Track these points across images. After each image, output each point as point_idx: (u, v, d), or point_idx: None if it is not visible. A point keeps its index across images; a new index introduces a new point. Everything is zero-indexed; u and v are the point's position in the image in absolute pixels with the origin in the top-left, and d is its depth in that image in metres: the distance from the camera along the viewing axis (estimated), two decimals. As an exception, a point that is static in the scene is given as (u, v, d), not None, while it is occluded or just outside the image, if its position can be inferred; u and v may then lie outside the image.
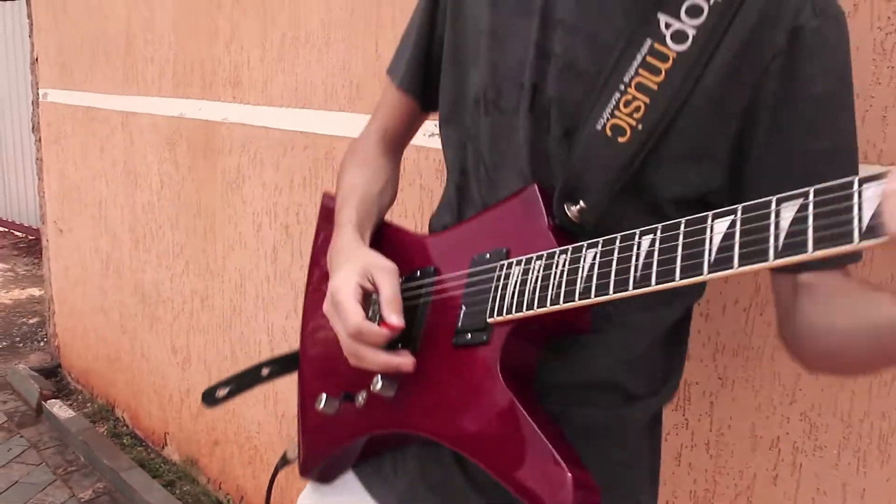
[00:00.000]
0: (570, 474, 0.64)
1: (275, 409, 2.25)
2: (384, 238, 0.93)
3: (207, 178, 2.40)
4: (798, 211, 0.53)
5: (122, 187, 2.91)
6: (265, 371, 1.06)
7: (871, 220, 0.48)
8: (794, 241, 0.53)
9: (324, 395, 0.86)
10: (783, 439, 1.13)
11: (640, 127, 0.75)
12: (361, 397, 0.83)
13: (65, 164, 3.35)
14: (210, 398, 1.04)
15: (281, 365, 1.07)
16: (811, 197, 0.53)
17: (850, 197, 0.50)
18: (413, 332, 0.81)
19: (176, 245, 2.64)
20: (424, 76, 0.99)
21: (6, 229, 7.15)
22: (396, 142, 1.06)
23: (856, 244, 0.49)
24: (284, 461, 1.06)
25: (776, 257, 0.53)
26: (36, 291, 5.14)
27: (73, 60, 3.11)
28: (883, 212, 0.50)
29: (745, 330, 1.14)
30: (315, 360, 0.99)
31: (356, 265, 0.82)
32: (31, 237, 6.60)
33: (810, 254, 0.51)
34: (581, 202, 0.76)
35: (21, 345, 4.39)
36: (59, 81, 3.25)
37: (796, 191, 0.54)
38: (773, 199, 0.55)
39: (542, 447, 0.66)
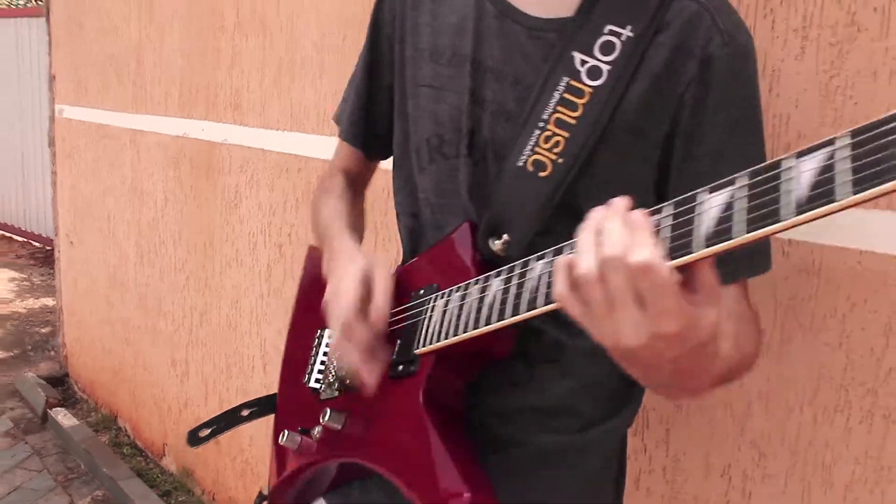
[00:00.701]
0: (468, 495, 0.68)
1: (266, 423, 2.30)
2: None
3: (208, 197, 2.47)
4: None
5: (129, 203, 2.99)
6: (245, 412, 1.11)
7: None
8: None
9: (285, 431, 0.91)
10: (734, 467, 1.17)
11: (560, 161, 0.80)
12: (317, 431, 0.87)
13: (77, 178, 3.44)
14: (194, 438, 1.08)
15: (260, 407, 1.12)
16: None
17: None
18: None
19: (178, 261, 2.71)
20: (366, 129, 1.05)
21: (25, 239, 7.29)
22: (358, 181, 1.11)
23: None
24: (262, 498, 1.10)
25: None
26: (49, 301, 5.24)
27: (88, 78, 3.21)
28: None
29: (699, 359, 1.18)
30: (284, 398, 1.05)
31: (360, 265, 0.85)
32: (47, 248, 6.72)
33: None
34: (505, 236, 0.81)
35: (32, 353, 4.48)
36: (75, 98, 3.35)
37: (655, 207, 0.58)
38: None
39: (450, 471, 0.71)
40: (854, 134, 0.46)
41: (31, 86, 6.80)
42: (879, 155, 0.44)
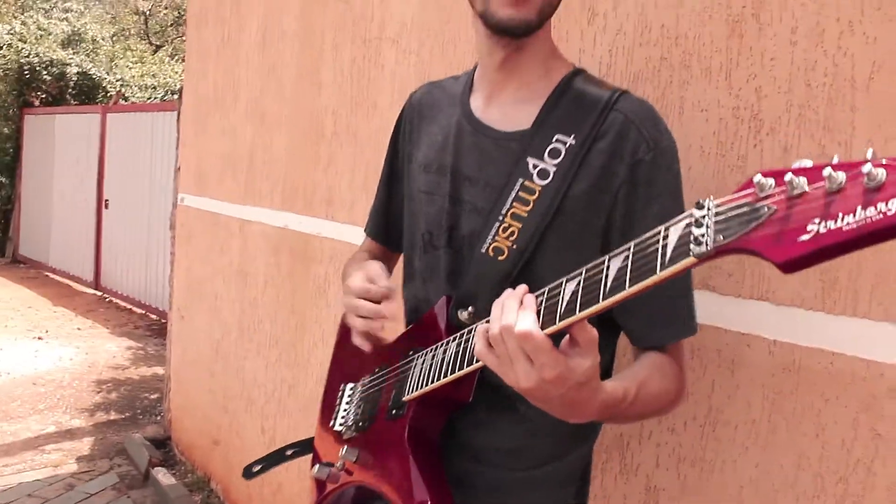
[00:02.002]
0: (429, 500, 0.89)
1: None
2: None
3: (301, 282, 2.77)
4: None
5: (234, 284, 3.33)
6: (289, 452, 1.35)
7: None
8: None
9: (317, 464, 1.15)
10: (731, 545, 1.28)
11: (514, 247, 1.03)
12: (339, 463, 1.10)
13: (192, 260, 3.84)
14: (248, 472, 1.33)
15: (301, 447, 1.36)
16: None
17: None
18: (374, 412, 1.09)
19: (272, 338, 3.00)
20: (386, 228, 1.33)
21: (144, 311, 7.90)
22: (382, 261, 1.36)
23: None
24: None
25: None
26: (160, 370, 5.66)
27: (207, 172, 3.63)
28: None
29: (701, 444, 1.32)
30: (318, 438, 1.30)
31: (361, 270, 1.14)
32: (162, 320, 7.27)
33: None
34: (471, 308, 1.03)
35: (141, 416, 4.87)
36: (195, 188, 3.79)
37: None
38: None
39: (421, 486, 0.93)
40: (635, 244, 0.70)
41: (160, 174, 7.50)
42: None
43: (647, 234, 0.69)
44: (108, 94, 10.48)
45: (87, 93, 10.53)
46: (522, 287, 0.82)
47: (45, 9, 12.48)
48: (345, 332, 1.29)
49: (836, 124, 1.15)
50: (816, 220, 0.53)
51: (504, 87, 1.12)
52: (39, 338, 6.64)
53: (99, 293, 8.79)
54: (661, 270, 0.65)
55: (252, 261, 3.17)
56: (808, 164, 0.56)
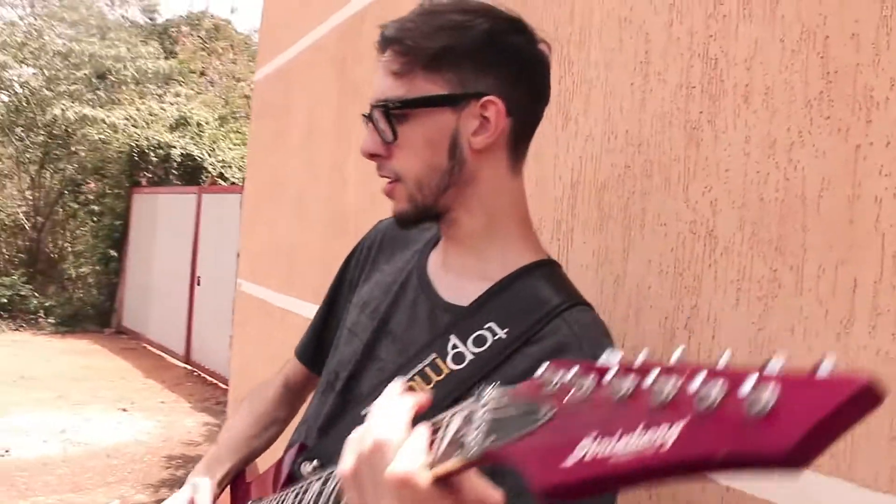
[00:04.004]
0: None
1: None
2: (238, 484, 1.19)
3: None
4: None
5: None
6: None
7: None
8: None
9: None
10: None
11: None
12: None
13: (245, 345, 3.91)
14: None
15: None
16: None
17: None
18: None
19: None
20: (316, 352, 1.22)
21: (227, 387, 8.09)
22: (296, 390, 1.27)
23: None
24: None
25: None
26: (228, 448, 5.72)
27: (259, 260, 3.72)
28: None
29: None
30: None
31: (180, 493, 1.11)
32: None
33: None
34: (316, 462, 0.96)
35: (203, 496, 4.92)
36: (250, 275, 3.88)
37: None
38: None
39: None
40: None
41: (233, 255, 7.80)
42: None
43: (439, 417, 0.57)
44: (209, 175, 11.07)
45: (191, 173, 11.15)
46: (423, 397, 0.62)
47: (160, 94, 13.40)
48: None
49: (788, 245, 1.04)
50: (589, 440, 0.41)
51: (459, 255, 1.00)
52: (124, 409, 6.89)
53: (189, 367, 9.09)
54: (432, 468, 0.54)
55: (291, 353, 3.18)
56: (612, 358, 0.45)
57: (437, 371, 0.91)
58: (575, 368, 0.46)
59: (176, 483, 5.07)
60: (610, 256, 1.34)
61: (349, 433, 0.93)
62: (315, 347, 1.23)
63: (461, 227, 0.98)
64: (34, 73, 12.43)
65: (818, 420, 0.33)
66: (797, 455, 0.33)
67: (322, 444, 0.99)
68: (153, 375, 8.48)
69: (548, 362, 0.50)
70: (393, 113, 0.92)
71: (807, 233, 1.02)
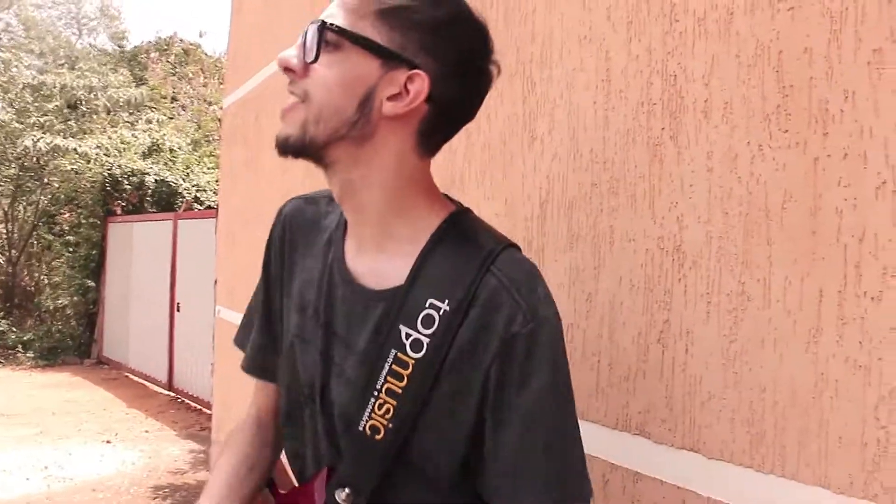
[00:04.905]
0: None
1: None
2: None
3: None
4: None
5: (256, 397, 3.32)
6: None
7: None
8: None
9: None
10: None
11: (390, 426, 0.91)
12: None
13: (226, 371, 3.88)
14: None
15: None
16: None
17: None
18: None
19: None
20: (264, 363, 1.12)
21: (211, 412, 8.01)
22: (269, 419, 1.16)
23: None
24: None
25: None
26: (215, 476, 5.67)
27: (236, 285, 3.69)
28: None
29: None
30: None
31: None
32: (226, 422, 7.34)
33: None
34: (347, 489, 0.93)
35: (192, 526, 4.87)
36: (228, 301, 3.85)
37: None
38: None
39: None
40: None
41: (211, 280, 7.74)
42: None
43: None
44: (184, 200, 10.99)
45: (166, 200, 11.06)
46: None
47: (131, 122, 13.32)
48: None
49: (754, 259, 1.05)
50: None
51: (371, 238, 0.98)
52: (108, 441, 6.80)
53: (172, 394, 8.99)
54: None
55: (270, 375, 3.16)
56: None
57: (404, 365, 0.91)
58: None
59: (163, 514, 5.01)
60: (581, 275, 1.34)
61: (356, 452, 0.93)
62: (267, 359, 1.13)
63: (361, 199, 0.96)
64: (3, 107, 12.30)
65: None
66: None
67: (343, 472, 0.95)
68: (136, 405, 8.38)
69: None
70: (326, 37, 0.91)
71: (772, 246, 1.03)
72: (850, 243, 0.93)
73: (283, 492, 1.11)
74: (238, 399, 3.58)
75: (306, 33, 0.92)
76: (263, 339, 1.14)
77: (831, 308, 0.95)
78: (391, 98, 0.91)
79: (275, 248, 1.11)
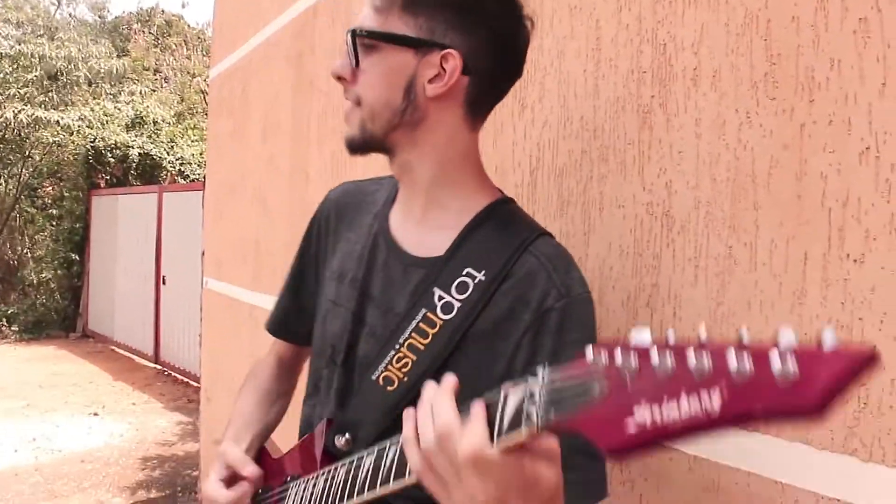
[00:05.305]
0: None
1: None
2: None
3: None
4: None
5: (246, 368, 3.35)
6: None
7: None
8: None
9: None
10: None
11: (405, 379, 0.96)
12: None
13: (214, 342, 3.89)
14: None
15: None
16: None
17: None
18: None
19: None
20: (288, 325, 1.25)
21: (198, 385, 8.04)
22: (290, 364, 1.30)
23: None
24: None
25: None
26: (203, 447, 5.71)
27: (224, 257, 3.70)
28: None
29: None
30: None
31: (214, 468, 1.10)
32: (214, 394, 7.37)
33: None
34: (347, 435, 0.97)
35: (181, 494, 4.90)
36: (215, 272, 3.85)
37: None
38: None
39: None
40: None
41: (197, 253, 7.73)
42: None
43: (490, 394, 0.67)
44: (169, 173, 10.91)
45: (150, 172, 10.98)
46: (451, 379, 0.71)
47: (114, 94, 13.16)
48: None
49: (741, 223, 1.08)
50: (644, 409, 0.51)
51: (419, 207, 1.05)
52: (95, 413, 6.81)
53: (158, 367, 9.00)
54: (497, 441, 0.64)
55: (260, 348, 3.17)
56: (645, 337, 0.54)
57: (432, 324, 0.96)
58: (617, 349, 0.55)
59: (153, 484, 5.04)
60: (571, 240, 1.36)
61: (364, 400, 0.98)
62: (287, 321, 1.27)
63: (415, 174, 1.04)
64: (-19, 78, 12.13)
65: (836, 382, 0.43)
66: (822, 409, 0.43)
67: (345, 415, 1.01)
68: (123, 377, 8.39)
69: (590, 346, 0.57)
70: (361, 41, 0.98)
71: (758, 210, 1.05)
72: (835, 207, 0.96)
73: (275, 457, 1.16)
74: (227, 370, 3.61)
75: (347, 42, 1.00)
76: (288, 303, 1.25)
77: (816, 270, 0.98)
78: (432, 80, 0.98)
79: (319, 226, 1.22)
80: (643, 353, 0.53)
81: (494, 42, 0.99)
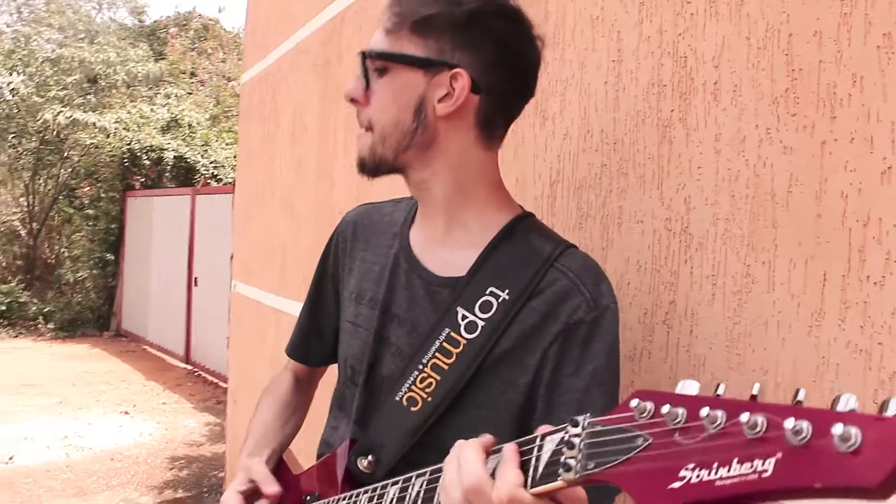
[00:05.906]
0: None
1: None
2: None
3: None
4: None
5: (270, 373, 3.37)
6: None
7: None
8: None
9: None
10: None
11: (429, 399, 0.95)
12: None
13: (241, 344, 3.93)
14: None
15: None
16: None
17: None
18: None
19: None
20: (306, 348, 1.26)
21: (227, 385, 8.12)
22: (307, 380, 1.31)
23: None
24: None
25: None
26: (230, 448, 5.77)
27: (252, 261, 3.73)
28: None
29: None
30: None
31: (237, 480, 1.09)
32: (242, 395, 7.43)
33: None
34: (370, 457, 0.97)
35: (207, 495, 4.95)
36: (244, 276, 3.89)
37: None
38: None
39: None
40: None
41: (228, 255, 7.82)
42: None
43: (526, 438, 0.66)
44: (202, 176, 11.06)
45: (184, 175, 11.14)
46: (487, 438, 0.71)
47: (150, 97, 13.37)
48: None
49: (760, 241, 1.06)
50: (690, 466, 0.48)
51: (441, 227, 1.05)
52: (126, 412, 6.92)
53: (189, 367, 9.11)
54: (531, 487, 0.62)
55: (284, 353, 3.19)
56: (693, 388, 0.52)
57: (455, 344, 0.96)
58: (665, 403, 0.52)
59: (180, 484, 5.10)
60: (590, 254, 1.35)
61: (387, 421, 0.98)
62: (306, 344, 1.27)
63: (432, 193, 1.04)
64: (23, 80, 12.39)
65: None
66: (887, 486, 0.39)
67: (367, 437, 1.01)
68: (154, 377, 8.51)
69: (636, 394, 0.55)
70: (372, 63, 0.99)
71: (777, 228, 1.03)
72: (855, 228, 0.94)
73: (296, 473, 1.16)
74: (253, 373, 3.63)
75: (359, 65, 1.01)
76: (307, 322, 1.26)
77: (834, 292, 0.96)
78: (441, 100, 0.98)
79: (336, 247, 1.22)
80: (692, 409, 0.50)
81: (503, 61, 0.99)
